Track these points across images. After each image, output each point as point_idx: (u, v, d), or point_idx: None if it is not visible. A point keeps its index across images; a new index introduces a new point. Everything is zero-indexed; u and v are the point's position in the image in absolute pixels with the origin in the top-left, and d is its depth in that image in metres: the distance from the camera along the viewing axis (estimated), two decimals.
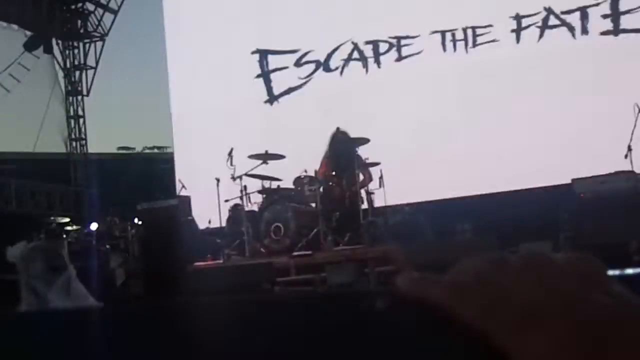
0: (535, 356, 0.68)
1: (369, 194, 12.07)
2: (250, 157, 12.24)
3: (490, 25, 16.11)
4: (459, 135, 15.65)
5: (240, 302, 1.39)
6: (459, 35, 16.38)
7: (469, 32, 16.31)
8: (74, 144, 21.97)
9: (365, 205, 11.93)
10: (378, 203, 12.14)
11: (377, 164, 12.07)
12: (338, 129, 12.31)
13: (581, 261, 0.73)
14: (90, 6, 21.62)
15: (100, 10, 21.57)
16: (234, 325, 1.18)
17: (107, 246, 15.19)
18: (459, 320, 0.72)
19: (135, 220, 14.15)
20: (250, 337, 1.10)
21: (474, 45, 16.28)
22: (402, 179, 13.23)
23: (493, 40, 16.11)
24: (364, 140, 12.15)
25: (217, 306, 1.40)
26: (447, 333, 0.73)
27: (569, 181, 11.33)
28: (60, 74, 21.55)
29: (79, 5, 21.56)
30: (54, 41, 21.08)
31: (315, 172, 11.98)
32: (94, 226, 17.05)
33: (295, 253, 11.01)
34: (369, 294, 0.79)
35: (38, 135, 20.60)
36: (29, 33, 20.18)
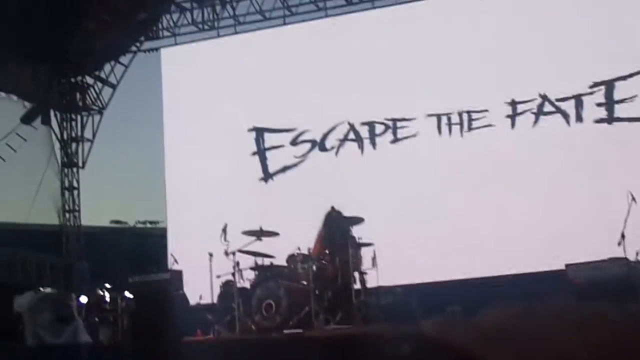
0: None
1: (361, 273, 12.02)
2: (245, 233, 12.21)
3: (485, 110, 16.25)
4: (452, 218, 15.67)
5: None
6: (455, 119, 16.51)
7: (465, 116, 16.44)
8: (67, 215, 21.90)
9: (357, 285, 11.88)
10: (370, 283, 12.09)
11: (370, 244, 12.05)
12: (333, 208, 12.32)
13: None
14: (89, 80, 21.72)
15: (100, 84, 21.67)
16: None
17: (97, 319, 15.05)
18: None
19: (126, 293, 14.04)
20: None
21: (470, 129, 16.40)
22: (394, 260, 13.19)
23: (488, 125, 16.23)
24: (358, 220, 12.15)
25: None
26: None
27: (562, 267, 11.31)
28: (57, 145, 21.60)
29: (79, 78, 21.66)
30: (52, 113, 21.13)
31: (309, 250, 11.95)
32: (83, 299, 16.91)
33: (286, 331, 10.93)
34: (395, 339, 0.81)
35: (32, 205, 20.53)
36: (27, 104, 20.27)
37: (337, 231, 12.07)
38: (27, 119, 20.21)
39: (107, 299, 14.97)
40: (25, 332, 8.81)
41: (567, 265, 11.21)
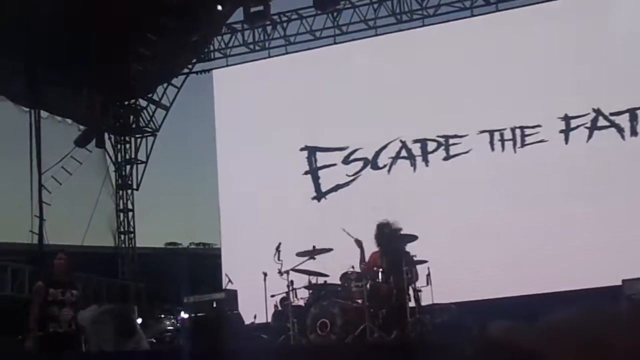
0: None
1: (416, 291, 11.93)
2: (298, 255, 12.21)
3: (539, 126, 16.15)
4: (507, 235, 15.57)
5: None
6: (508, 135, 16.42)
7: (517, 132, 16.36)
8: (122, 237, 22.10)
9: (412, 303, 11.81)
10: (425, 301, 12.01)
11: (425, 261, 11.97)
12: (386, 224, 12.26)
13: None
14: (142, 102, 21.94)
15: (153, 107, 21.89)
16: None
17: (153, 340, 15.15)
18: None
19: (182, 314, 14.12)
20: None
21: (522, 145, 16.31)
22: (449, 277, 13.14)
23: (542, 141, 16.13)
24: (412, 238, 12.07)
25: None
26: None
27: (619, 282, 11.19)
28: (112, 167, 21.83)
29: (132, 101, 21.90)
30: (106, 135, 21.38)
31: (362, 268, 11.91)
32: (139, 320, 17.05)
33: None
34: (460, 341, 0.80)
35: (88, 227, 20.75)
36: (82, 127, 20.54)
37: (391, 249, 12.01)
38: (81, 142, 20.45)
39: (164, 319, 15.08)
40: (88, 346, 8.94)
41: (623, 281, 11.09)
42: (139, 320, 16.96)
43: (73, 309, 9.99)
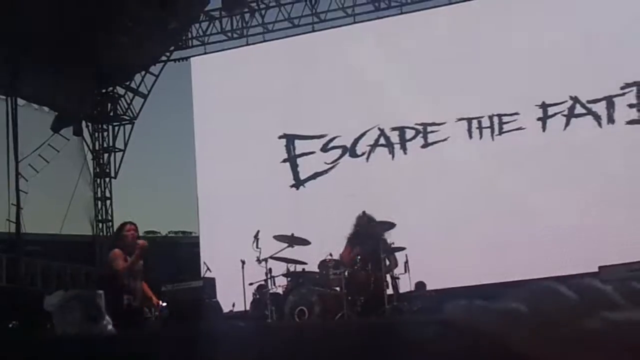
0: None
1: (394, 279, 11.96)
2: (276, 237, 12.20)
3: (516, 113, 16.21)
4: (484, 222, 15.63)
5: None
6: (485, 122, 16.47)
7: (495, 119, 16.41)
8: (100, 225, 22.02)
9: (390, 291, 11.83)
10: (403, 288, 12.04)
11: (402, 248, 11.99)
12: (364, 212, 12.28)
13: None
14: (120, 90, 21.86)
15: (130, 94, 21.81)
16: None
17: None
18: (510, 345, 0.72)
19: (160, 302, 14.08)
20: None
21: (500, 132, 16.36)
22: (427, 264, 13.17)
23: (519, 128, 16.19)
24: (390, 225, 12.09)
25: None
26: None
27: (595, 269, 11.25)
28: (89, 155, 21.74)
29: (110, 89, 21.80)
30: (83, 123, 21.29)
31: (340, 256, 11.93)
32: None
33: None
34: (420, 322, 0.80)
35: (65, 216, 20.67)
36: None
37: (369, 236, 12.03)
38: (56, 127, 20.35)
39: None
40: (55, 331, 8.88)
41: (600, 268, 11.14)
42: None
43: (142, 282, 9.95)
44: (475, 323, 0.73)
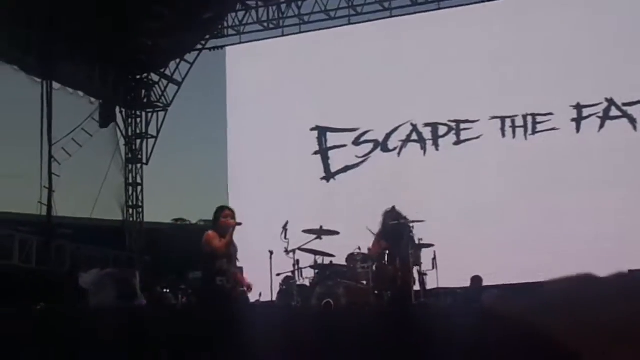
0: None
1: (421, 275, 11.93)
2: (305, 232, 12.21)
3: (550, 114, 16.11)
4: (514, 221, 15.55)
5: None
6: (519, 121, 16.38)
7: (529, 119, 16.31)
8: (130, 211, 22.10)
9: (417, 286, 11.80)
10: (430, 285, 12.01)
11: (431, 245, 11.96)
12: (394, 207, 12.25)
13: None
14: (154, 77, 21.90)
15: (165, 82, 21.85)
16: None
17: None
18: (544, 338, 0.71)
19: (185, 288, 14.15)
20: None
21: (534, 132, 16.26)
22: (455, 261, 13.12)
23: (553, 129, 16.08)
24: (419, 221, 12.06)
25: None
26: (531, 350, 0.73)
27: (625, 272, 11.14)
28: (122, 141, 21.82)
29: (144, 75, 21.85)
30: (117, 109, 21.37)
31: (369, 249, 11.91)
32: (140, 294, 17.03)
33: None
34: (454, 310, 0.79)
35: (96, 201, 20.76)
36: (93, 100, 20.54)
37: (397, 232, 12.00)
38: (105, 122, 20.53)
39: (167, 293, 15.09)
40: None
41: (630, 272, 11.04)
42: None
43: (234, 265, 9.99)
44: (510, 313, 0.71)
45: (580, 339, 0.64)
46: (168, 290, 16.54)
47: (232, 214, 10.22)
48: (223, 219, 10.09)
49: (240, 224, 10.04)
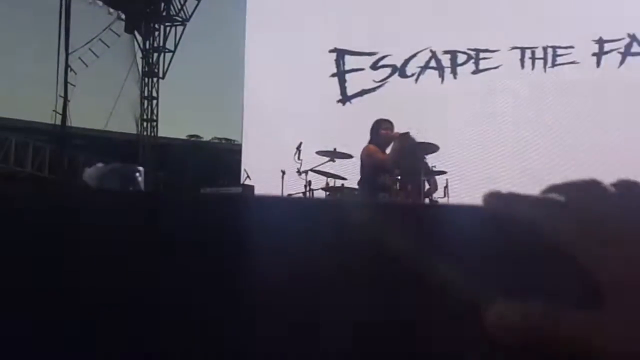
0: (611, 273, 0.66)
1: (433, 201, 11.92)
2: (318, 153, 12.20)
3: (571, 47, 15.96)
4: (529, 153, 15.52)
5: None
6: (539, 53, 16.25)
7: (550, 51, 16.17)
8: (145, 125, 22.16)
9: None
10: None
11: (443, 172, 11.94)
12: (408, 133, 12.19)
13: None
14: None
15: None
16: None
17: None
18: (547, 234, 0.69)
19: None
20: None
21: (553, 65, 16.14)
22: (466, 190, 13.14)
23: (573, 62, 15.96)
24: (434, 147, 12.02)
25: None
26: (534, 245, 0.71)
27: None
28: (139, 54, 21.81)
29: None
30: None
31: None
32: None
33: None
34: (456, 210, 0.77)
35: (111, 113, 20.84)
36: (112, 10, 20.48)
37: (411, 157, 11.96)
38: (130, 29, 20.46)
39: None
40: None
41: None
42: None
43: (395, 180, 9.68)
44: (513, 211, 0.69)
45: (580, 238, 0.63)
46: None
47: (391, 127, 9.93)
48: (383, 131, 9.82)
49: (407, 134, 9.69)
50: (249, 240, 1.33)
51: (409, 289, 1.01)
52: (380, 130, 9.84)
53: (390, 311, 1.10)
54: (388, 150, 10.02)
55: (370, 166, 9.58)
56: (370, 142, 10.00)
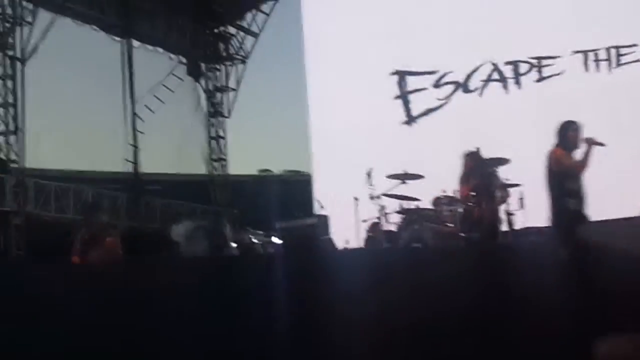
0: None
1: (508, 215, 11.84)
2: (389, 177, 12.20)
3: (634, 45, 15.75)
4: (601, 158, 15.29)
5: None
6: (602, 55, 16.05)
7: (613, 51, 15.97)
8: (214, 164, 22.33)
9: (505, 227, 11.72)
10: (518, 225, 11.91)
11: (517, 185, 11.86)
12: (478, 149, 12.15)
13: None
14: (232, 29, 21.98)
15: (242, 34, 21.92)
16: None
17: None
18: None
19: (274, 239, 14.25)
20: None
21: (618, 65, 15.93)
22: (543, 200, 12.99)
23: (637, 60, 15.74)
24: (504, 161, 11.96)
25: None
26: None
27: None
28: (203, 95, 22.01)
29: (222, 28, 21.95)
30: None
31: (454, 192, 11.87)
32: (233, 245, 17.21)
33: None
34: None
35: (180, 156, 21.02)
36: (173, 56, 20.73)
37: (483, 172, 11.91)
38: (195, 73, 20.71)
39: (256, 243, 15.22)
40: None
41: None
42: (233, 245, 17.21)
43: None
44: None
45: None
46: (257, 241, 16.72)
47: (580, 128, 9.65)
48: (572, 133, 9.59)
49: (602, 144, 9.48)
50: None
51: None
52: (569, 132, 9.59)
53: None
54: (576, 154, 9.71)
55: (559, 171, 9.29)
56: (557, 145, 9.70)
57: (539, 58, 16.58)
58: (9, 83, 18.51)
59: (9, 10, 18.45)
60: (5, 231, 17.82)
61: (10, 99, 18.50)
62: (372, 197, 12.10)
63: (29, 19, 18.44)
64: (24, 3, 18.48)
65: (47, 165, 19.86)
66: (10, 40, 18.54)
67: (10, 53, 18.49)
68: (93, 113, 19.29)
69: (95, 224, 8.58)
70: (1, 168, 18.41)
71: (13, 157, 18.41)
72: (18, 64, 18.44)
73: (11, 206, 18.15)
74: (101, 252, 8.65)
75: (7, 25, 18.48)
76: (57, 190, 19.00)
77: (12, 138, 18.49)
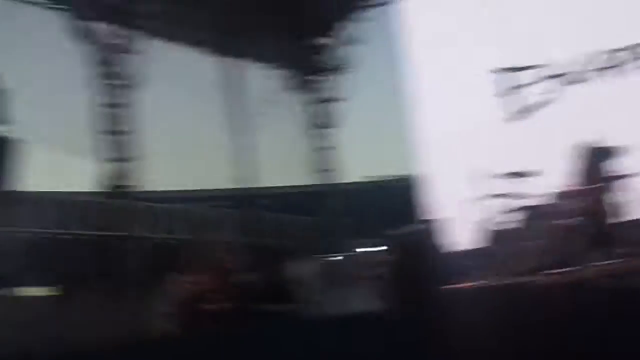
0: None
1: (626, 207, 11.47)
2: (499, 176, 12.00)
3: None
4: None
5: None
6: None
7: None
8: (323, 175, 22.32)
9: (622, 219, 11.37)
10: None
11: (630, 175, 11.51)
12: (590, 142, 11.86)
13: None
14: (331, 40, 22.00)
15: (342, 43, 21.91)
16: None
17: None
18: None
19: (385, 247, 14.13)
20: None
21: None
22: None
23: None
24: (622, 150, 11.63)
25: None
26: None
27: None
28: (309, 107, 22.05)
29: (320, 39, 21.98)
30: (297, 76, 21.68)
31: (570, 186, 11.59)
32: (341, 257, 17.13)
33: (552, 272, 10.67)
34: None
35: (290, 168, 21.08)
36: (274, 70, 20.83)
37: (597, 165, 11.61)
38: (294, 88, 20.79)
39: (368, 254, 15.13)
40: (304, 298, 8.91)
41: None
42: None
43: None
44: None
45: None
46: (372, 250, 16.60)
47: None
48: None
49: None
50: None
51: None
52: None
53: None
54: None
55: None
56: None
57: None
58: (123, 110, 18.89)
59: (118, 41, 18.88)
60: (122, 256, 18.05)
61: (125, 127, 18.87)
62: (481, 198, 11.91)
63: (138, 46, 18.82)
64: (133, 32, 18.86)
65: (155, 187, 20.12)
66: (122, 69, 18.92)
67: (123, 82, 18.89)
68: (197, 132, 19.48)
69: (205, 242, 8.62)
70: (115, 194, 18.71)
71: (126, 182, 18.71)
72: (129, 91, 18.81)
73: (127, 231, 18.40)
74: (213, 270, 8.67)
75: (121, 55, 18.90)
76: (167, 212, 19.21)
77: (126, 164, 18.81)
